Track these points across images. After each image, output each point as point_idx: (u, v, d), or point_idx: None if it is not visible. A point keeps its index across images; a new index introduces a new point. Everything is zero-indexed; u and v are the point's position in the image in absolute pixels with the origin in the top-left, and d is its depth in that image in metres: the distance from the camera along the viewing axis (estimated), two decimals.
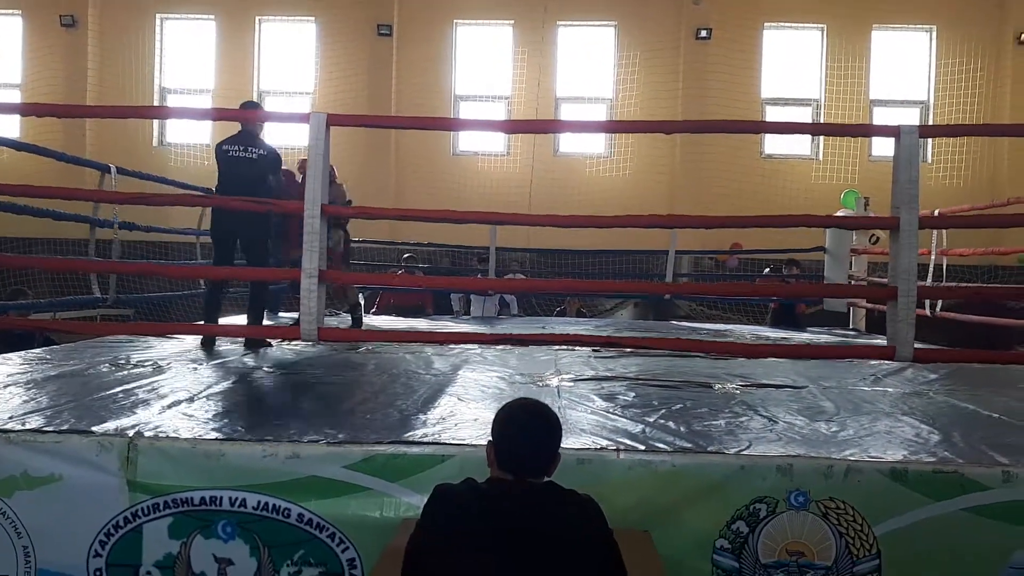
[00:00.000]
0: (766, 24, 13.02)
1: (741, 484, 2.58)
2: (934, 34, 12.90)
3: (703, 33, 12.73)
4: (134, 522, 2.57)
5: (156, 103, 12.91)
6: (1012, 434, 3.11)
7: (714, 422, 3.15)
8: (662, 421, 3.10)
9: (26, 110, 7.80)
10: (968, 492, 2.56)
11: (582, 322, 8.53)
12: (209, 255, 5.82)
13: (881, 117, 13.06)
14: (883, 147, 13.20)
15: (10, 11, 12.89)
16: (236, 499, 2.57)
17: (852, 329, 8.36)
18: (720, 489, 2.58)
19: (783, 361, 4.88)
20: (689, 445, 2.73)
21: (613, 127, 10.78)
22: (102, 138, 12.34)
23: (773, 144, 13.07)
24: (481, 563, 1.75)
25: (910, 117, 13.11)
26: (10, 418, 2.80)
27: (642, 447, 2.68)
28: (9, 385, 3.52)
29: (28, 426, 2.68)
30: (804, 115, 13.18)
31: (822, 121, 12.87)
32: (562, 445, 2.65)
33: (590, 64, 13.19)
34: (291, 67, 13.08)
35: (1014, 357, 4.15)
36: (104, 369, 4.05)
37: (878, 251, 8.16)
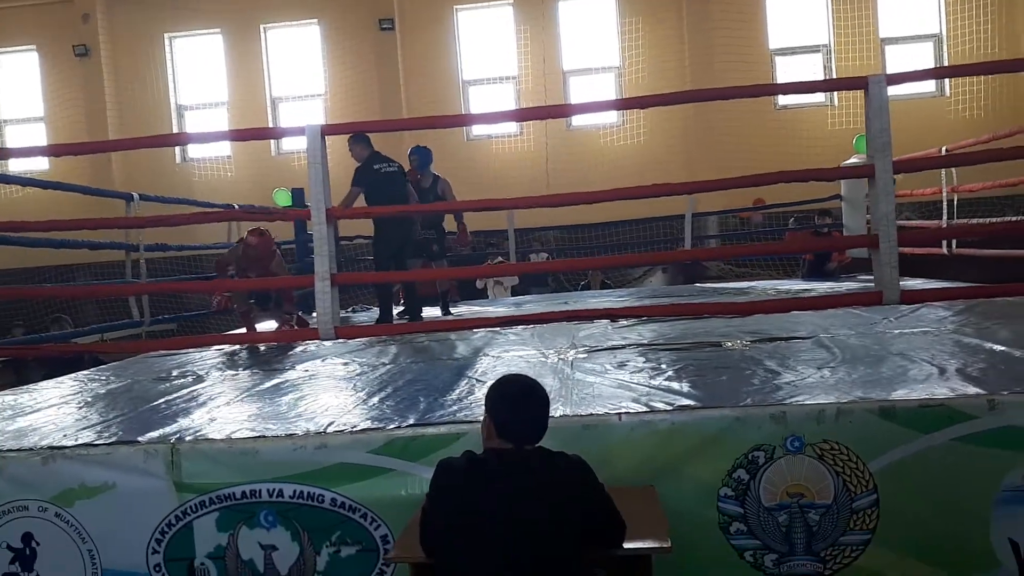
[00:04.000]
0: None
1: (738, 434, 2.74)
2: None
3: None
4: (184, 519, 2.82)
5: (174, 121, 13.25)
6: (1010, 363, 3.22)
7: (718, 379, 3.31)
8: (667, 383, 3.26)
9: (55, 151, 8.18)
10: (956, 423, 2.69)
11: (604, 294, 8.67)
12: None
13: (893, 55, 12.88)
14: (900, 87, 13.04)
15: (25, 47, 13.30)
16: (274, 490, 2.81)
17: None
18: (718, 441, 2.75)
19: (805, 313, 5.00)
20: (688, 403, 2.89)
21: (621, 104, 10.89)
22: (128, 160, 12.72)
23: (786, 96, 12.97)
24: (484, 522, 1.95)
25: (923, 53, 12.93)
26: (64, 435, 3.06)
27: (643, 408, 2.85)
28: (62, 405, 3.80)
29: (80, 441, 2.94)
30: (815, 62, 13.08)
31: (833, 66, 12.80)
32: (567, 413, 2.87)
33: (594, 35, 13.20)
34: (300, 71, 13.31)
35: (997, 290, 4.19)
36: (148, 383, 4.32)
37: (903, 193, 8.12)
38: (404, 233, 6.03)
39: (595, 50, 13.17)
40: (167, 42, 13.27)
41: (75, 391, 4.23)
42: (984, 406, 2.69)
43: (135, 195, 5.83)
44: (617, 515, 2.12)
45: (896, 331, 4.25)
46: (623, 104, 11.48)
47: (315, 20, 13.15)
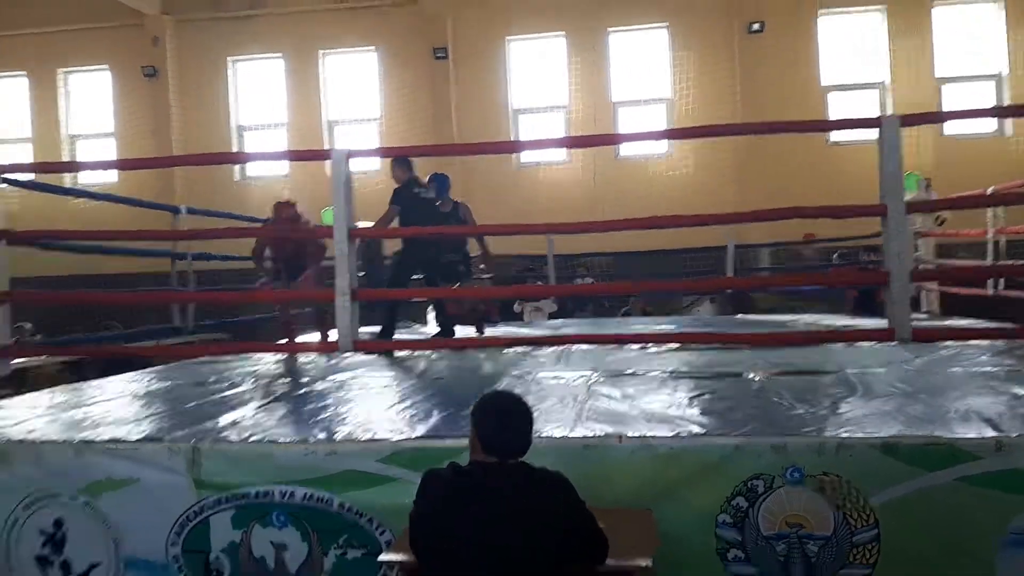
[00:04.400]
0: (821, 11, 12.86)
1: (738, 463, 2.77)
2: (1003, 2, 12.46)
3: (755, 26, 12.69)
4: (202, 515, 2.96)
5: (234, 140, 13.75)
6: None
7: (727, 408, 3.33)
8: (676, 409, 3.30)
9: (124, 165, 8.62)
10: (961, 462, 2.68)
11: (644, 320, 8.68)
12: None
13: (951, 94, 12.71)
14: (956, 125, 12.84)
15: (100, 66, 14.02)
16: (286, 492, 2.93)
17: (925, 312, 8.24)
18: (718, 468, 2.78)
19: (842, 348, 4.98)
20: (691, 429, 2.93)
21: (671, 135, 10.95)
22: (190, 175, 13.23)
23: (839, 132, 12.86)
24: (465, 532, 2.04)
25: (984, 92, 12.72)
26: (98, 429, 3.25)
27: (646, 433, 2.90)
28: (104, 402, 4.01)
29: (110, 436, 3.11)
30: (870, 99, 12.96)
31: (889, 103, 12.66)
32: (568, 434, 2.93)
33: (645, 67, 13.32)
34: (357, 96, 13.72)
35: (1014, 332, 4.12)
36: (187, 387, 4.52)
37: (951, 232, 8.00)
38: (430, 256, 6.19)
39: (646, 81, 13.27)
40: (230, 65, 13.84)
41: (120, 391, 4.45)
42: (991, 447, 2.67)
43: (182, 208, 6.11)
44: (598, 532, 2.18)
45: (928, 370, 4.20)
46: (672, 134, 11.55)
47: (372, 47, 13.57)
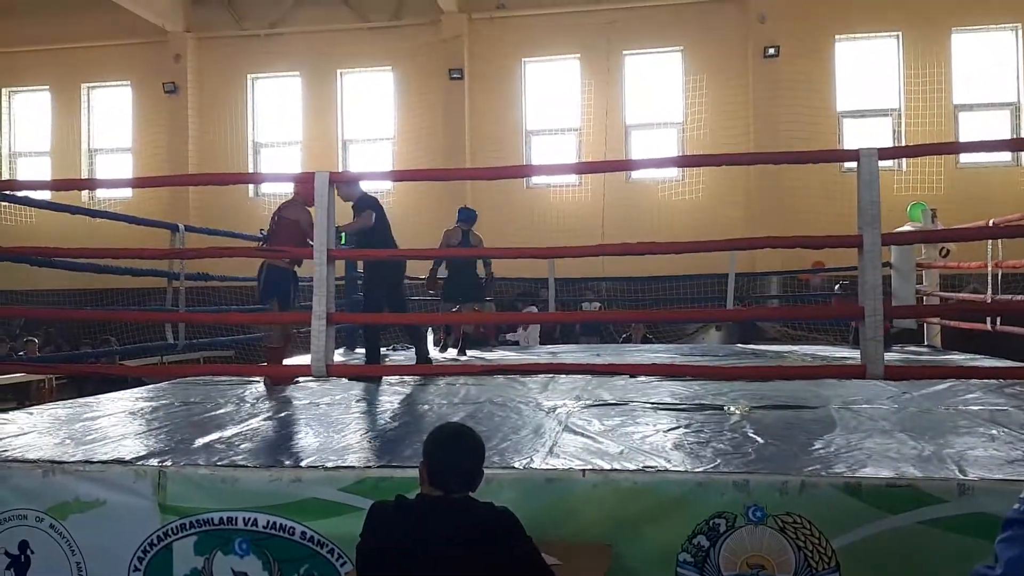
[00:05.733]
0: (837, 36, 12.82)
1: (700, 500, 2.73)
2: (1020, 32, 12.37)
3: (771, 51, 12.66)
4: (165, 540, 2.97)
5: (250, 157, 13.93)
6: (1005, 447, 3.11)
7: (700, 442, 3.30)
8: (647, 442, 3.28)
9: (136, 184, 8.83)
10: (924, 505, 2.63)
11: (642, 348, 8.65)
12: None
13: (967, 122, 12.61)
14: (972, 154, 12.70)
15: (122, 82, 14.29)
16: (249, 519, 2.93)
17: (927, 346, 8.14)
18: (680, 505, 2.75)
19: (838, 383, 4.91)
20: (655, 464, 2.90)
21: (675, 162, 10.96)
22: (203, 193, 13.38)
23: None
24: (406, 566, 2.02)
25: (999, 120, 12.60)
26: (64, 450, 3.27)
27: (608, 467, 2.88)
28: (87, 420, 4.05)
29: (79, 457, 3.14)
30: (884, 126, 12.88)
31: (903, 131, 12.58)
32: (534, 466, 2.92)
33: (658, 90, 13.34)
34: (372, 115, 13.85)
35: (989, 372, 4.07)
36: (174, 407, 4.55)
37: (952, 265, 7.94)
38: (397, 273, 6.04)
39: (659, 105, 13.28)
40: (249, 82, 14.03)
41: (106, 410, 4.49)
42: (954, 490, 2.62)
43: (180, 226, 6.20)
44: (543, 568, 2.15)
45: (914, 407, 4.14)
46: (683, 162, 11.53)
47: (389, 67, 13.70)
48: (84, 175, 13.90)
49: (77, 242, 5.84)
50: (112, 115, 14.37)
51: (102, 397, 5.09)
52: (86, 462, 3.09)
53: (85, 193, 13.21)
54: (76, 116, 14.42)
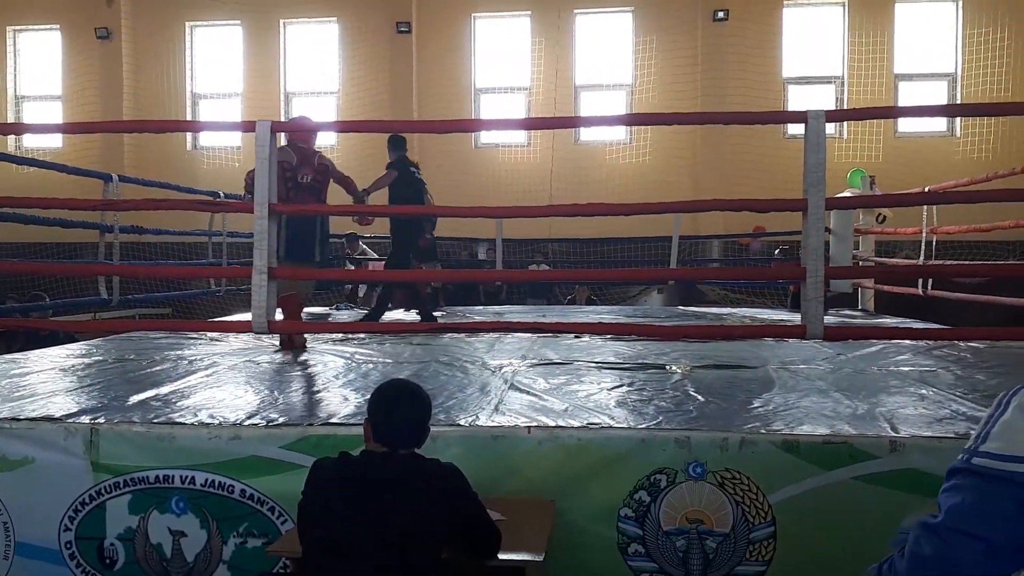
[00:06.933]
0: (786, 2, 12.91)
1: (642, 456, 2.77)
2: (960, 4, 12.61)
3: (720, 14, 12.70)
4: (98, 499, 2.88)
5: (188, 109, 13.46)
6: (934, 407, 3.22)
7: (642, 400, 3.34)
8: (591, 400, 3.30)
9: (68, 129, 8.35)
10: (857, 461, 2.71)
11: (586, 310, 8.71)
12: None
13: (906, 92, 12.88)
14: (910, 123, 13.02)
15: (49, 26, 13.58)
16: (186, 477, 2.87)
17: (861, 310, 8.37)
18: (622, 461, 2.78)
19: (779, 343, 5.05)
20: (599, 421, 2.92)
21: (624, 120, 11.02)
22: (139, 143, 12.93)
23: (797, 125, 12.94)
24: (349, 523, 2.00)
25: (937, 91, 12.90)
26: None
27: (553, 424, 2.89)
28: (15, 377, 3.89)
29: (6, 415, 3.02)
30: (827, 93, 13.07)
31: (845, 98, 12.79)
32: (480, 423, 2.91)
33: (608, 51, 13.28)
34: (316, 68, 13.48)
35: (920, 334, 4.21)
36: (108, 363, 4.41)
37: (889, 231, 8.16)
38: (416, 236, 6.46)
39: (608, 66, 13.23)
40: (188, 30, 13.50)
41: (37, 366, 4.32)
42: (886, 447, 2.70)
43: (114, 176, 5.96)
44: (489, 524, 2.16)
45: (849, 367, 4.25)
46: (632, 120, 11.56)
47: (334, 18, 13.32)
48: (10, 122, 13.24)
49: (2, 193, 5.60)
50: (40, 61, 13.68)
51: (31, 353, 4.91)
52: (13, 419, 2.97)
53: (11, 140, 12.59)
54: (2, 60, 13.69)
